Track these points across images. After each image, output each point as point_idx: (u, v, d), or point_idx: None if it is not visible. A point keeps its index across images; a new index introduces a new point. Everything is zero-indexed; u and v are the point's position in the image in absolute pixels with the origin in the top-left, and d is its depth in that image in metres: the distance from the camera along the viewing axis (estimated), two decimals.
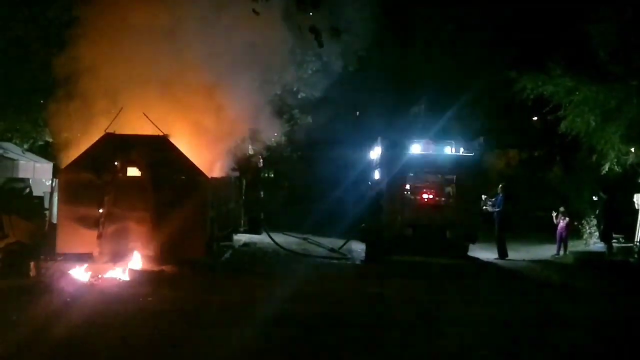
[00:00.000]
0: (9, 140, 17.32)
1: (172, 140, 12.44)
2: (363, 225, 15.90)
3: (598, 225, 17.22)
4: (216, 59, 13.21)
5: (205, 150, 13.53)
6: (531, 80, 15.72)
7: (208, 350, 7.07)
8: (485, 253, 16.11)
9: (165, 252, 11.57)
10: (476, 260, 15.62)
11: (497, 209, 15.89)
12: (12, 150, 17.44)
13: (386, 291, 10.94)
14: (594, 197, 17.75)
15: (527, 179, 23.10)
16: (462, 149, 15.78)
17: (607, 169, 15.48)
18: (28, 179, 16.90)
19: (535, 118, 21.29)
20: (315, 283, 11.61)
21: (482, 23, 19.49)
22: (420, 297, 10.58)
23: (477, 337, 7.95)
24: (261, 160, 19.82)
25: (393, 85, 17.81)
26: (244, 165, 17.63)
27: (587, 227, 17.88)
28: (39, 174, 17.62)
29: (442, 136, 15.96)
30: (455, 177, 15.67)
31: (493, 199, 16.09)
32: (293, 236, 18.14)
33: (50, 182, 16.46)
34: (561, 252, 16.30)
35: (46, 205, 15.30)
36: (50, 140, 17.40)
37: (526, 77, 15.77)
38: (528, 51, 17.43)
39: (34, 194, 16.31)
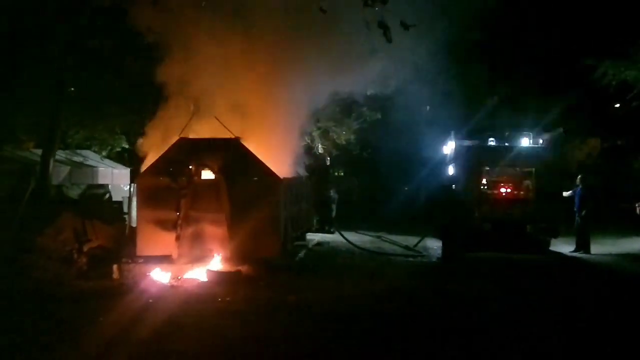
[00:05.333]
0: (88, 148, 17.99)
1: (244, 142, 12.52)
2: (439, 221, 15.54)
3: None
4: (285, 59, 13.22)
5: (276, 151, 13.55)
6: (612, 66, 15.00)
7: (287, 349, 7.02)
8: (568, 247, 15.42)
9: (241, 253, 11.62)
10: (559, 255, 14.97)
11: (578, 202, 15.17)
12: (92, 157, 18.14)
13: (464, 289, 10.62)
14: None
15: (610, 169, 22.06)
16: (540, 141, 15.18)
17: None
18: (107, 185, 17.52)
19: (617, 105, 20.27)
20: (390, 281, 11.41)
21: (559, 9, 18.67)
22: (497, 296, 10.17)
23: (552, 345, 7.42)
24: (328, 159, 19.79)
25: (466, 77, 17.33)
26: (314, 165, 17.64)
27: None
28: (117, 180, 18.24)
29: (518, 127, 15.40)
30: (534, 169, 15.11)
31: (570, 192, 15.37)
32: (367, 234, 17.95)
33: (128, 187, 17.00)
34: None
35: (125, 209, 15.78)
36: (127, 146, 17.97)
37: (607, 63, 15.06)
38: (607, 36, 16.57)
39: (114, 199, 16.88)
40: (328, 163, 19.72)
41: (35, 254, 11.40)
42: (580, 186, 15.25)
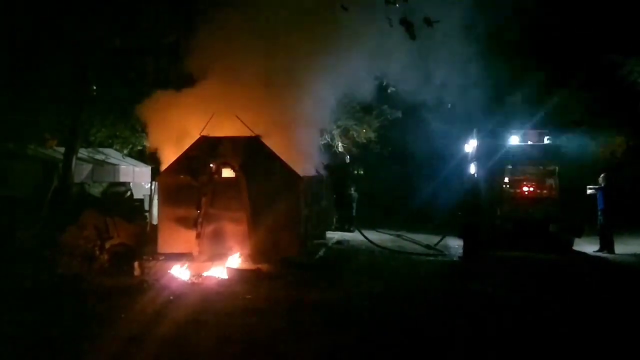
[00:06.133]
0: (110, 146, 18.11)
1: (264, 140, 12.53)
2: (460, 220, 15.40)
3: None
4: (305, 57, 13.20)
5: (296, 149, 13.54)
6: (638, 63, 14.74)
7: (308, 347, 6.99)
8: (591, 247, 15.18)
9: (261, 251, 11.67)
10: (582, 255, 14.75)
11: (601, 200, 14.92)
12: (113, 155, 18.25)
13: (485, 289, 10.50)
14: None
15: (635, 168, 21.65)
16: (564, 138, 14.96)
17: None
18: (129, 183, 17.63)
19: None
20: (410, 280, 11.34)
21: (585, 6, 18.34)
22: (517, 297, 10.01)
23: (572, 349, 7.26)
24: (348, 157, 19.74)
25: (487, 74, 17.13)
26: (333, 163, 17.59)
27: None
28: (138, 178, 18.32)
29: (541, 126, 15.21)
30: (557, 168, 14.91)
31: (593, 189, 15.11)
32: (386, 233, 17.87)
33: (149, 185, 17.10)
34: None
35: (146, 207, 15.90)
36: (148, 145, 18.06)
37: (633, 61, 14.81)
38: (634, 33, 16.25)
39: (135, 196, 16.99)
40: (348, 161, 19.66)
41: (58, 251, 11.52)
42: (604, 184, 15.01)
